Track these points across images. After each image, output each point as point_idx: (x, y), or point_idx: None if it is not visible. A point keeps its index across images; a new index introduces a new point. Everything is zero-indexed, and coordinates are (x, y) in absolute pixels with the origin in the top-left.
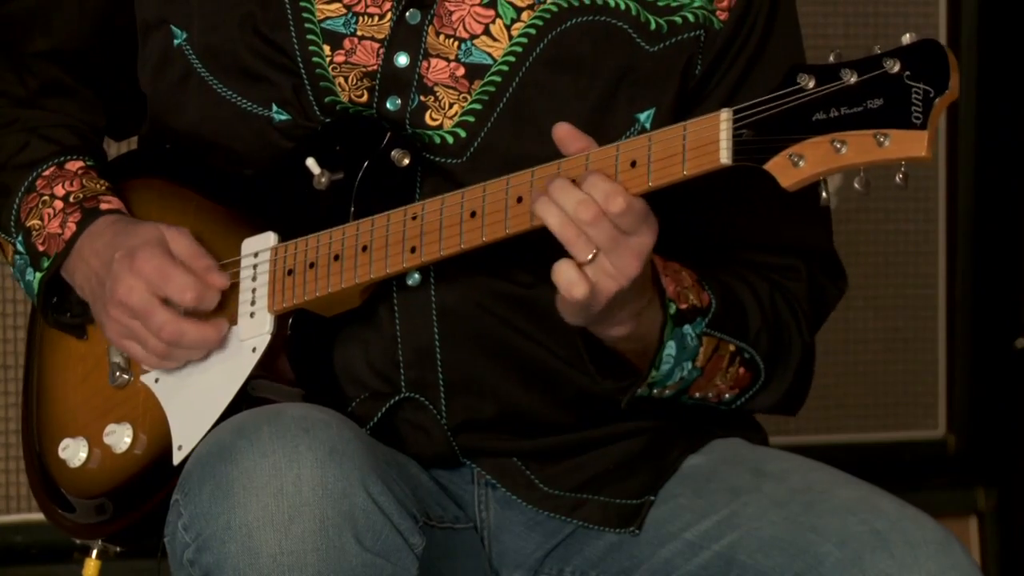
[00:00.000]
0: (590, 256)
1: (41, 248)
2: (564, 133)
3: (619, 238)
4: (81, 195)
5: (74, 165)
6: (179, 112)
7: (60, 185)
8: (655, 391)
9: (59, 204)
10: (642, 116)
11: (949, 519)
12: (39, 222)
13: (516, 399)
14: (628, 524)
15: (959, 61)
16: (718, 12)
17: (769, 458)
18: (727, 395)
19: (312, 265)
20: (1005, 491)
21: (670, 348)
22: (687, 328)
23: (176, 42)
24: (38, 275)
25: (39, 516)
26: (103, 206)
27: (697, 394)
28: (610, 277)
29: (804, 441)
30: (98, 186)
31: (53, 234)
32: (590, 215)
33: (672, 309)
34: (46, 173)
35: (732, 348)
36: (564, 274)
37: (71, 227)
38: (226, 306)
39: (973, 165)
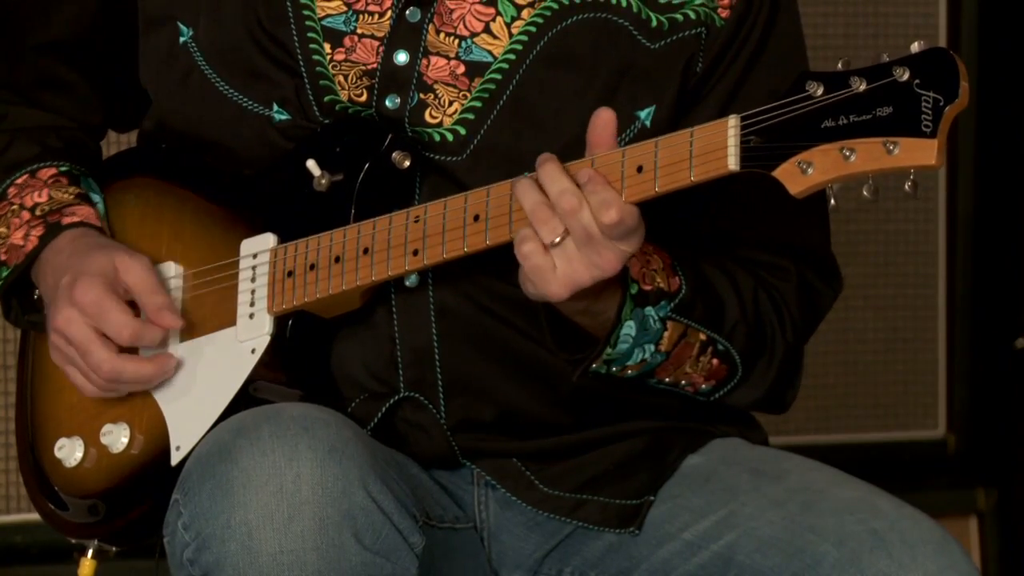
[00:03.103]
0: (556, 239)
1: (3, 257)
2: (605, 119)
3: (601, 239)
4: (47, 207)
5: (46, 173)
6: (180, 110)
7: (30, 195)
8: (615, 369)
9: (26, 215)
10: (642, 113)
11: (949, 519)
12: (5, 230)
13: (515, 399)
14: (628, 524)
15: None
16: (720, 10)
17: (768, 458)
18: (703, 386)
19: (313, 267)
20: (1005, 491)
21: (628, 328)
22: (649, 310)
23: (182, 39)
24: None
25: (39, 516)
26: (65, 220)
27: (667, 379)
28: (588, 267)
29: (804, 441)
30: (65, 196)
31: (15, 245)
32: (568, 207)
33: (633, 289)
34: (19, 181)
35: (703, 337)
36: (523, 230)
37: (33, 240)
38: (223, 308)
39: (973, 165)
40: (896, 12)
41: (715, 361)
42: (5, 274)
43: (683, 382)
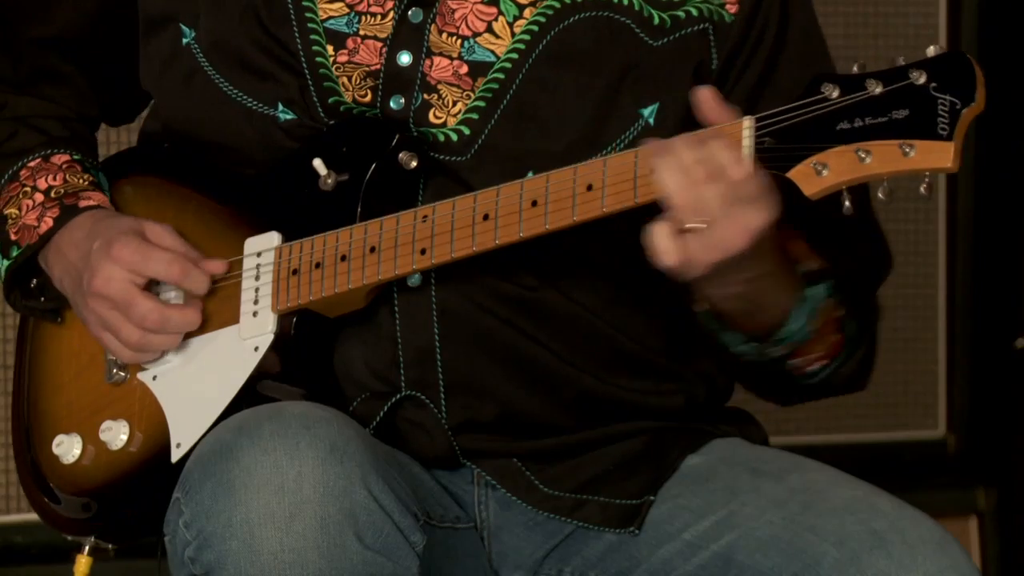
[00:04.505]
0: (703, 225)
1: (14, 237)
2: (706, 96)
3: (732, 205)
4: (63, 190)
5: (60, 159)
6: (183, 111)
7: (44, 178)
8: (771, 351)
9: (39, 197)
10: (646, 111)
11: (949, 519)
12: (16, 211)
13: (516, 400)
14: (628, 524)
15: None
16: (727, 5)
17: (768, 458)
18: (816, 366)
19: (318, 265)
20: (1005, 491)
21: (799, 305)
22: (821, 287)
23: (185, 41)
24: (5, 263)
25: (39, 516)
26: (82, 203)
27: (795, 360)
28: (710, 249)
29: (804, 441)
30: (81, 181)
31: (28, 225)
32: (705, 173)
33: (801, 270)
34: (31, 164)
35: (839, 314)
36: (660, 242)
37: (48, 222)
38: (226, 306)
39: (973, 165)
40: (896, 12)
41: (838, 336)
42: (15, 253)
43: (798, 361)
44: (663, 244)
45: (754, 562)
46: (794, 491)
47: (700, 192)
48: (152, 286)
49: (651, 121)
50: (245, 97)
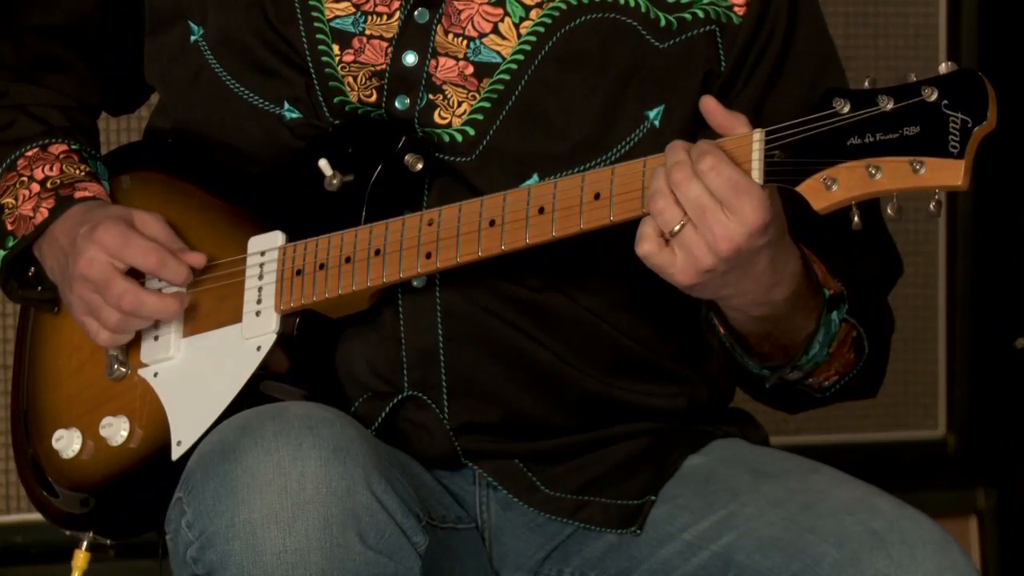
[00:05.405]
0: (676, 228)
1: (10, 227)
2: (712, 106)
3: (707, 207)
4: (59, 181)
5: (57, 148)
6: (189, 108)
7: (40, 168)
8: (791, 373)
9: (36, 187)
10: (651, 113)
11: (949, 519)
12: (13, 201)
13: (519, 402)
14: (629, 524)
15: (959, 61)
16: (735, 7)
17: (768, 458)
18: (826, 383)
19: (323, 266)
20: (1005, 491)
21: (819, 333)
22: (835, 314)
23: (193, 38)
24: (1, 252)
25: (39, 516)
26: (78, 194)
27: (809, 379)
28: (706, 249)
29: (804, 441)
30: (77, 172)
31: (24, 216)
32: (681, 175)
33: (826, 294)
34: (29, 154)
35: (855, 334)
36: (641, 228)
37: (43, 212)
38: (229, 304)
39: (973, 165)
40: (896, 12)
41: (851, 355)
42: (11, 244)
43: (813, 380)
44: (642, 230)
45: (754, 562)
46: (794, 491)
47: (679, 192)
48: (148, 281)
49: (656, 123)
50: (251, 95)
